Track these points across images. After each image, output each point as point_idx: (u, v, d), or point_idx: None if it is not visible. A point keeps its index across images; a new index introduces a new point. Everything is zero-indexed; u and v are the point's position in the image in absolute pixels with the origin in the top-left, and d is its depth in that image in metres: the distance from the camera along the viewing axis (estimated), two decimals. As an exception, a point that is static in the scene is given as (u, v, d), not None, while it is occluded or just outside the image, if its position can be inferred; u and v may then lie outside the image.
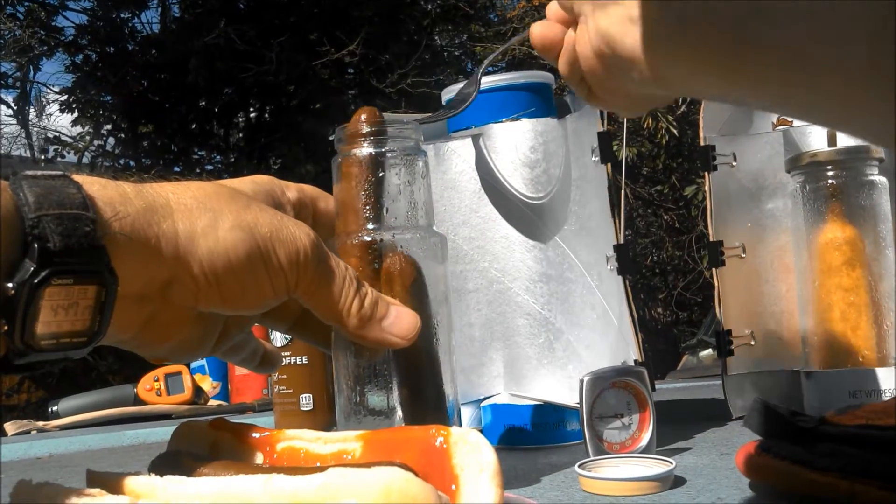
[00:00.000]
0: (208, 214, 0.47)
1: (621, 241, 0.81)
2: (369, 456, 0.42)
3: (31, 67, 7.16)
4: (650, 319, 6.47)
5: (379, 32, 6.37)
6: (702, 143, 0.86)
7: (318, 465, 0.43)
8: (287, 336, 0.93)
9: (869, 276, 0.79)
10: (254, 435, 0.48)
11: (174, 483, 0.39)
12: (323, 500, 0.35)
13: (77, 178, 0.43)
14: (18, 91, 7.46)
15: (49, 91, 7.66)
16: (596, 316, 0.79)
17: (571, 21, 0.51)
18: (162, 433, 1.21)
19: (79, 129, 7.14)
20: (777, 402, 0.54)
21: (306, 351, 0.94)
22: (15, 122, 7.59)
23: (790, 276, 0.87)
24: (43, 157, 7.18)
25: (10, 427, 1.47)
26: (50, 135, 7.46)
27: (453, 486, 0.38)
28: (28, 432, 1.47)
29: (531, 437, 0.79)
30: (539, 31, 0.54)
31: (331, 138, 0.61)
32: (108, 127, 7.08)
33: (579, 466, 0.60)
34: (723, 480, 0.59)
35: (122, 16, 6.77)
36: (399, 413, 0.56)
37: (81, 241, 0.41)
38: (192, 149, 7.05)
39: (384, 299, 0.53)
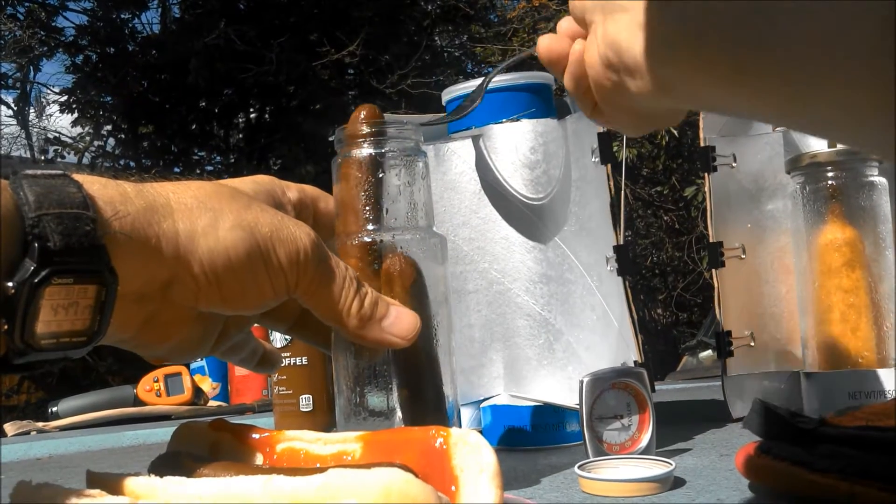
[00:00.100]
0: (209, 214, 0.47)
1: (621, 242, 0.81)
2: (369, 457, 0.42)
3: (32, 68, 7.16)
4: (650, 320, 6.47)
5: (379, 33, 6.37)
6: (702, 144, 0.86)
7: (318, 465, 0.43)
8: (287, 337, 0.93)
9: (869, 277, 0.79)
10: (254, 436, 0.48)
11: (174, 484, 0.39)
12: (323, 501, 0.35)
13: (77, 177, 0.43)
14: (18, 92, 7.46)
15: (49, 91, 7.67)
16: (596, 317, 0.79)
17: (582, 34, 0.50)
18: (162, 434, 1.21)
19: (79, 129, 7.15)
20: (777, 404, 0.54)
21: (306, 352, 0.94)
22: (15, 122, 7.59)
23: (790, 277, 0.87)
24: (43, 157, 7.18)
25: (9, 428, 1.47)
26: (50, 135, 7.46)
27: (453, 487, 0.38)
28: (28, 433, 1.47)
29: (531, 438, 0.79)
30: (546, 45, 0.54)
31: (331, 139, 0.61)
32: (109, 127, 7.08)
33: (579, 467, 0.60)
34: (722, 482, 0.59)
35: (122, 16, 6.77)
36: (399, 414, 0.56)
37: (82, 241, 0.41)
38: (193, 149, 7.05)
39: (384, 299, 0.53)
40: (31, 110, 7.75)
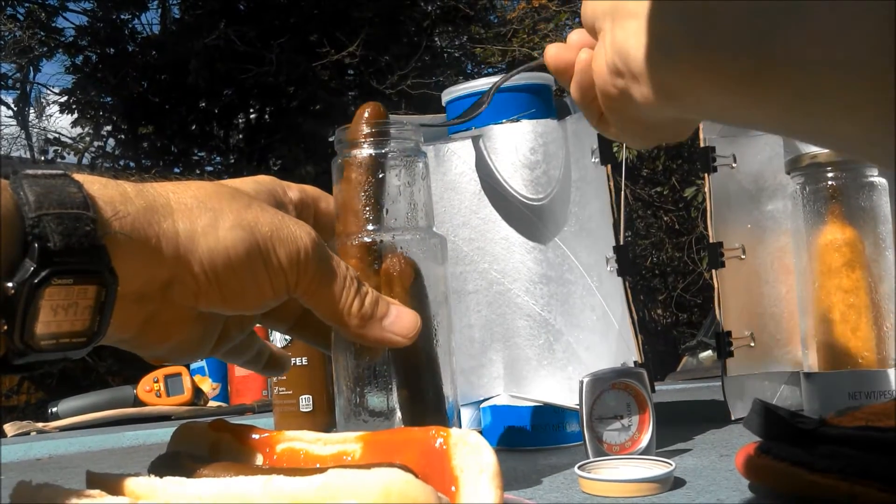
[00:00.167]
0: (209, 214, 0.47)
1: (621, 243, 0.81)
2: (369, 457, 0.42)
3: (31, 68, 7.16)
4: (650, 321, 6.47)
5: (379, 34, 6.37)
6: (702, 145, 0.86)
7: (318, 466, 0.43)
8: (287, 337, 0.93)
9: (869, 277, 0.79)
10: (253, 436, 0.48)
11: (174, 484, 0.39)
12: (323, 501, 0.35)
13: (78, 177, 0.43)
14: (18, 92, 7.46)
15: (49, 92, 7.67)
16: (596, 317, 0.79)
17: (592, 43, 0.50)
18: (161, 434, 1.21)
19: (79, 130, 7.15)
20: (777, 404, 0.54)
21: (306, 352, 0.94)
22: (15, 122, 7.59)
23: (790, 277, 0.87)
24: (43, 157, 7.18)
25: (9, 428, 1.47)
26: (50, 136, 7.46)
27: (453, 488, 0.38)
28: (28, 433, 1.47)
29: (531, 439, 0.79)
30: (554, 53, 0.53)
31: (331, 139, 0.61)
32: (108, 128, 7.08)
33: (579, 468, 0.60)
34: (722, 482, 0.59)
35: (122, 17, 6.77)
36: (399, 414, 0.56)
37: (82, 241, 0.40)
38: (192, 150, 7.05)
39: (384, 299, 0.53)
40: (31, 111, 7.76)
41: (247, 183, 0.55)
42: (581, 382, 0.67)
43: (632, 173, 5.95)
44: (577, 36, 0.52)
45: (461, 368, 0.78)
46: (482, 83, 0.82)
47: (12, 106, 7.46)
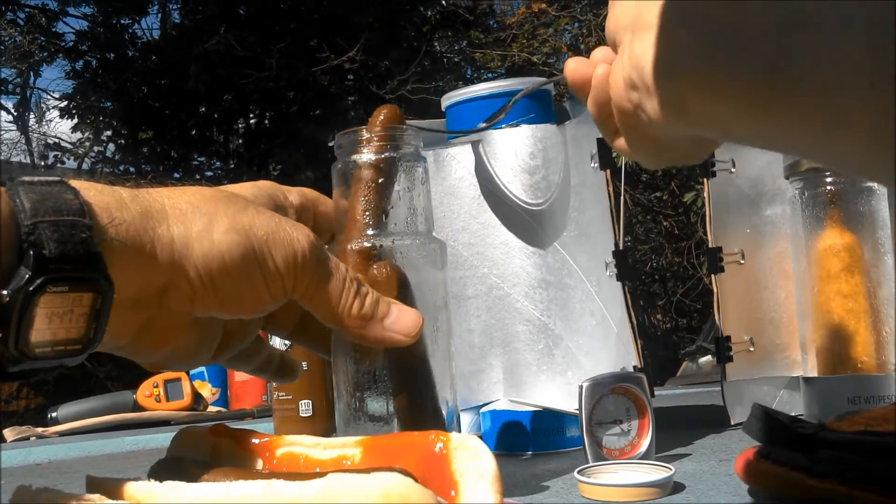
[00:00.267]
0: (203, 218, 0.47)
1: (620, 248, 0.81)
2: (369, 461, 0.42)
3: (31, 73, 7.17)
4: (649, 326, 6.46)
5: (379, 39, 6.37)
6: (701, 150, 0.86)
7: (318, 470, 0.43)
8: (286, 342, 0.93)
9: (868, 282, 0.79)
10: (253, 441, 0.48)
11: (174, 489, 0.39)
12: (322, 506, 0.35)
13: (74, 183, 0.43)
14: (18, 97, 7.47)
15: (49, 97, 7.68)
16: (595, 322, 0.79)
17: (613, 59, 0.50)
18: (161, 439, 1.21)
19: (79, 135, 7.15)
20: (776, 409, 0.54)
21: (306, 357, 0.94)
22: (15, 127, 7.60)
23: (789, 282, 0.87)
24: (43, 163, 7.19)
25: (9, 433, 1.47)
26: (50, 141, 7.46)
27: (453, 492, 0.38)
28: (27, 438, 1.47)
29: (530, 443, 0.79)
30: (573, 68, 0.53)
31: (331, 144, 0.61)
32: (108, 133, 7.08)
33: (578, 472, 0.60)
34: (722, 486, 0.59)
35: (122, 22, 6.77)
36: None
37: (77, 248, 0.40)
38: (192, 155, 7.05)
39: (385, 299, 0.53)
40: (31, 115, 7.77)
41: (246, 188, 0.55)
42: (580, 387, 0.67)
43: (631, 178, 5.95)
44: (600, 53, 0.51)
45: (461, 373, 0.78)
46: (482, 88, 0.82)
47: (12, 111, 7.47)
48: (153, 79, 6.69)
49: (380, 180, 0.57)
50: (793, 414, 0.79)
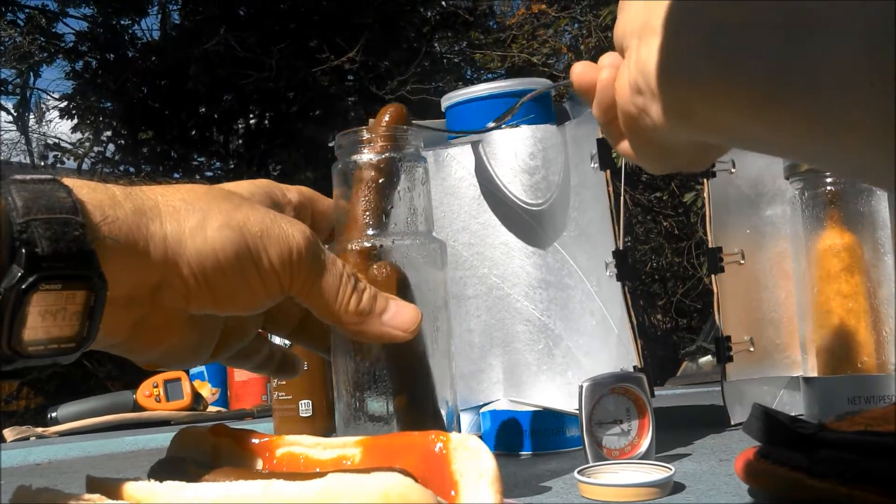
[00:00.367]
0: (197, 215, 0.46)
1: (620, 248, 0.81)
2: (368, 461, 0.42)
3: (31, 74, 7.18)
4: (649, 326, 6.46)
5: (378, 39, 6.38)
6: (701, 150, 0.86)
7: (318, 470, 0.43)
8: (286, 342, 0.93)
9: (868, 282, 0.79)
10: (253, 441, 0.48)
11: (174, 488, 0.39)
12: (322, 506, 0.35)
13: (67, 181, 0.43)
14: (18, 97, 7.48)
15: (49, 97, 7.69)
16: (595, 322, 0.79)
17: (620, 64, 0.50)
18: (161, 439, 1.21)
19: (78, 135, 7.16)
20: (776, 409, 0.54)
21: (305, 357, 0.94)
22: (15, 128, 7.61)
23: (789, 282, 0.87)
24: (42, 163, 7.19)
25: (9, 433, 1.47)
26: (50, 141, 7.47)
27: (452, 492, 0.38)
28: (27, 438, 1.47)
29: (530, 443, 0.79)
30: (579, 72, 0.53)
31: (330, 144, 0.61)
32: (108, 133, 7.09)
33: (578, 472, 0.60)
34: (722, 486, 0.59)
35: (122, 22, 6.78)
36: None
37: (70, 246, 0.40)
38: (192, 155, 7.06)
39: (383, 294, 0.52)
40: (31, 116, 7.78)
41: (243, 185, 0.54)
42: (580, 387, 0.67)
43: (631, 178, 5.95)
44: (607, 59, 0.51)
45: (461, 373, 0.78)
46: (482, 89, 0.82)
47: (12, 111, 7.48)
48: (153, 79, 6.69)
49: (381, 181, 0.57)
50: (793, 414, 0.79)
